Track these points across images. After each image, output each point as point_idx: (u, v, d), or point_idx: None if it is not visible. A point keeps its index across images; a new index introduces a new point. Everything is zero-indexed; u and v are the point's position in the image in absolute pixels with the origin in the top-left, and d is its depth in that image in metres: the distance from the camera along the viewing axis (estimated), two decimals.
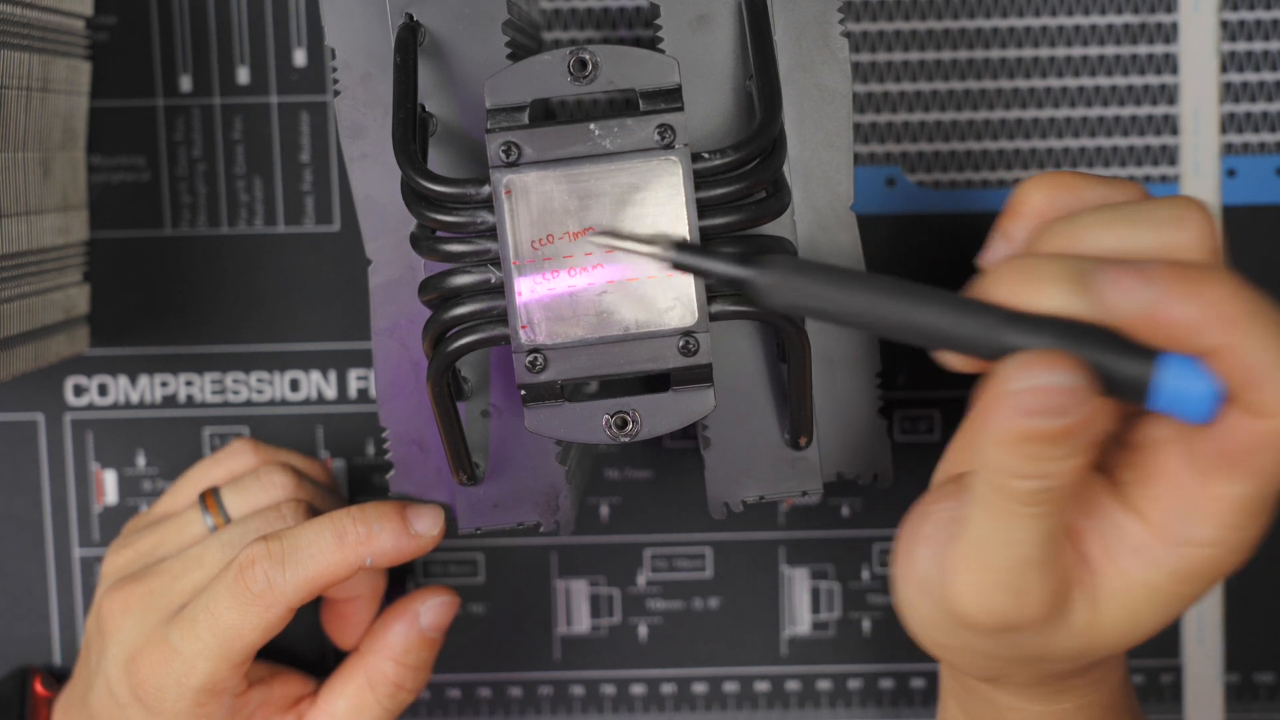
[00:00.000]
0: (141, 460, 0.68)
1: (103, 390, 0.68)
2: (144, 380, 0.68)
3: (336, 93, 0.55)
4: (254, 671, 0.62)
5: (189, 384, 0.68)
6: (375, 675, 0.61)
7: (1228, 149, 0.66)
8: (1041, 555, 0.45)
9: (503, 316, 0.51)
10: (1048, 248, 0.47)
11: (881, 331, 0.46)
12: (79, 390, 0.68)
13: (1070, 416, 0.43)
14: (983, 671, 0.51)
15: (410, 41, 0.53)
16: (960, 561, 0.46)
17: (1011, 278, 0.45)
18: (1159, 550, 0.46)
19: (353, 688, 0.61)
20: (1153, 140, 0.66)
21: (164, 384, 0.68)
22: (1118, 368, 0.44)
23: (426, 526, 0.57)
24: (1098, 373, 0.44)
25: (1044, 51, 0.66)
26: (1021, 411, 0.43)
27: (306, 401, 0.68)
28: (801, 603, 0.68)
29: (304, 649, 0.65)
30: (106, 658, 0.59)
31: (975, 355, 0.45)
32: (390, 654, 0.61)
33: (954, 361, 0.47)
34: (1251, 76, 0.66)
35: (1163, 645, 0.68)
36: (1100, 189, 0.49)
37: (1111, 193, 0.49)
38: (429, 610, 0.61)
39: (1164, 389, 0.44)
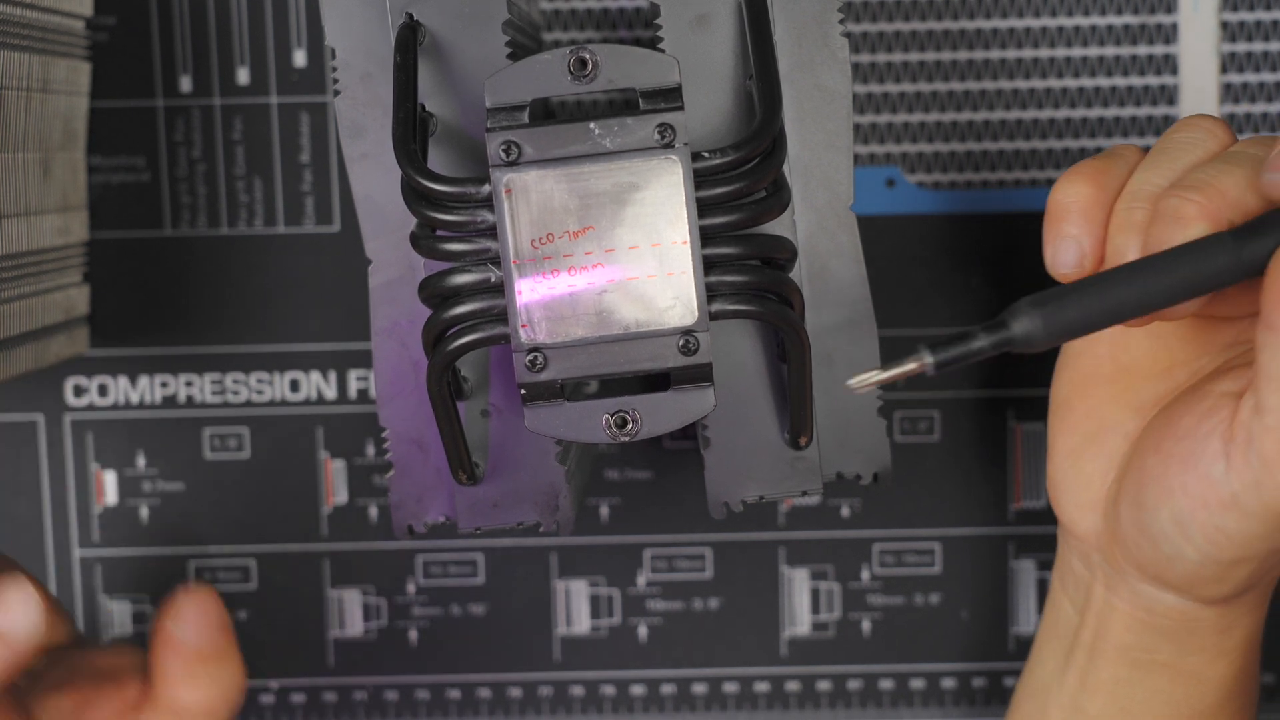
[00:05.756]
0: (141, 461, 0.68)
1: (103, 391, 0.68)
2: (144, 381, 0.68)
3: (336, 93, 0.55)
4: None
5: (189, 384, 0.68)
6: (175, 706, 0.54)
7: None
8: None
9: (503, 315, 0.51)
10: (1133, 218, 0.51)
11: (1139, 313, 0.49)
12: (79, 391, 0.68)
13: None
14: (1256, 578, 0.53)
15: (410, 41, 0.53)
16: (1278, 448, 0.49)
17: (1201, 213, 0.49)
18: None
19: None
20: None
21: (164, 384, 0.68)
22: None
23: (18, 619, 0.50)
24: None
25: (1044, 52, 0.66)
26: None
27: (306, 402, 0.68)
28: (801, 603, 0.68)
29: None
30: None
31: (1223, 285, 0.49)
32: (175, 681, 0.54)
33: (1152, 317, 0.50)
34: (1251, 77, 0.66)
35: None
36: (1119, 159, 0.53)
37: (1129, 157, 0.53)
38: (186, 626, 0.54)
39: None
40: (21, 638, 0.50)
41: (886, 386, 0.66)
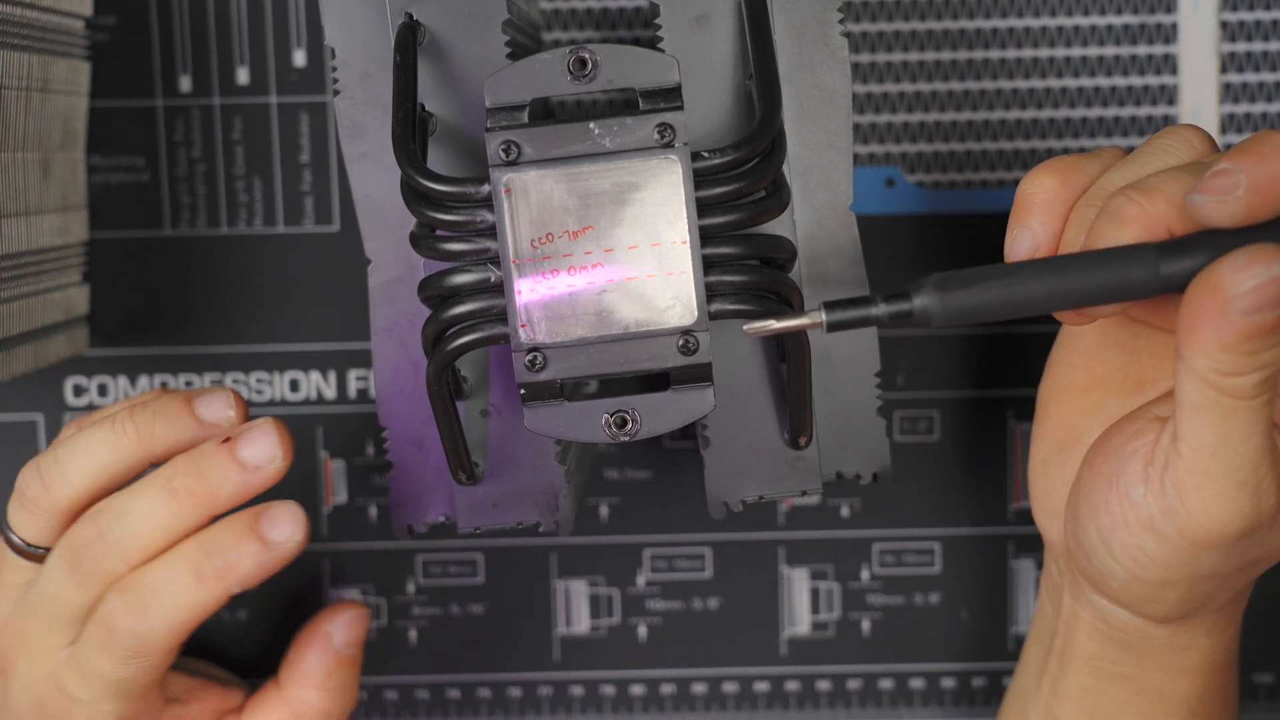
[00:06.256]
0: None
1: (103, 390, 0.68)
2: (144, 381, 0.68)
3: (336, 93, 0.55)
4: (172, 688, 0.60)
5: (189, 384, 0.68)
6: (300, 706, 0.60)
7: (1227, 149, 0.66)
8: (1270, 443, 0.47)
9: (502, 315, 0.51)
10: (1087, 216, 0.50)
11: (1047, 308, 0.48)
12: (79, 390, 0.68)
13: None
14: (1191, 603, 0.52)
15: (410, 41, 0.53)
16: (1191, 480, 0.48)
17: (1141, 215, 0.48)
18: None
19: None
20: None
21: (164, 384, 0.68)
22: None
23: (287, 533, 0.55)
24: None
25: (1044, 52, 0.66)
26: (1246, 310, 0.45)
27: (306, 402, 0.68)
28: (801, 603, 0.68)
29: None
30: (12, 698, 0.57)
31: (1138, 296, 0.47)
32: (311, 682, 0.59)
33: (1073, 317, 0.49)
34: (1251, 77, 0.66)
35: None
36: (1097, 159, 0.52)
37: (1106, 158, 0.52)
38: (340, 629, 0.60)
39: None
40: (287, 551, 0.55)
41: (884, 385, 0.66)
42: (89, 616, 0.55)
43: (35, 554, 0.56)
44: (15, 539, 0.56)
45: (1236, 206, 0.46)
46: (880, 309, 0.48)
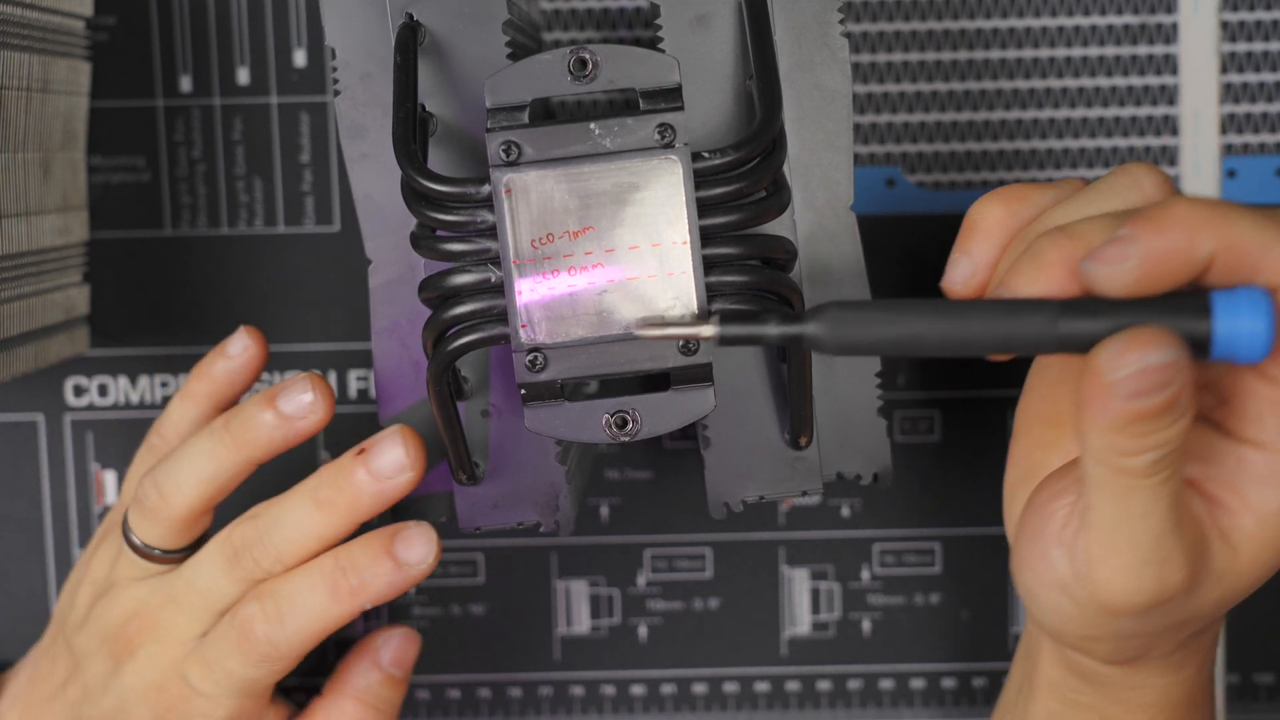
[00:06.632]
0: None
1: (103, 390, 0.68)
2: (144, 380, 0.68)
3: (336, 93, 0.55)
4: None
5: None
6: (336, 715, 0.61)
7: (1228, 150, 0.66)
8: (1174, 519, 0.46)
9: (503, 315, 0.51)
10: (1020, 250, 0.49)
11: (943, 352, 0.47)
12: (79, 390, 0.68)
13: (1174, 386, 0.44)
14: (1125, 654, 0.51)
15: (410, 41, 0.53)
16: (1097, 552, 0.47)
17: (1062, 259, 0.46)
18: None
19: None
20: (1153, 141, 0.66)
21: (164, 384, 0.68)
22: (1179, 329, 0.45)
23: (420, 555, 0.56)
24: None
25: (1044, 52, 0.66)
26: (1128, 396, 0.44)
27: None
28: (801, 603, 0.68)
29: None
30: (125, 679, 0.59)
31: (1036, 352, 0.46)
32: (352, 693, 0.61)
33: (999, 355, 0.48)
34: (1251, 77, 0.66)
35: None
36: (1051, 191, 0.51)
37: (1061, 191, 0.51)
38: (388, 644, 0.61)
39: (1219, 338, 0.45)
40: (419, 572, 0.56)
41: (884, 385, 0.66)
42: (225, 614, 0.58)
43: (153, 555, 0.59)
44: (136, 541, 0.59)
45: (1125, 278, 0.45)
46: (772, 330, 0.47)
